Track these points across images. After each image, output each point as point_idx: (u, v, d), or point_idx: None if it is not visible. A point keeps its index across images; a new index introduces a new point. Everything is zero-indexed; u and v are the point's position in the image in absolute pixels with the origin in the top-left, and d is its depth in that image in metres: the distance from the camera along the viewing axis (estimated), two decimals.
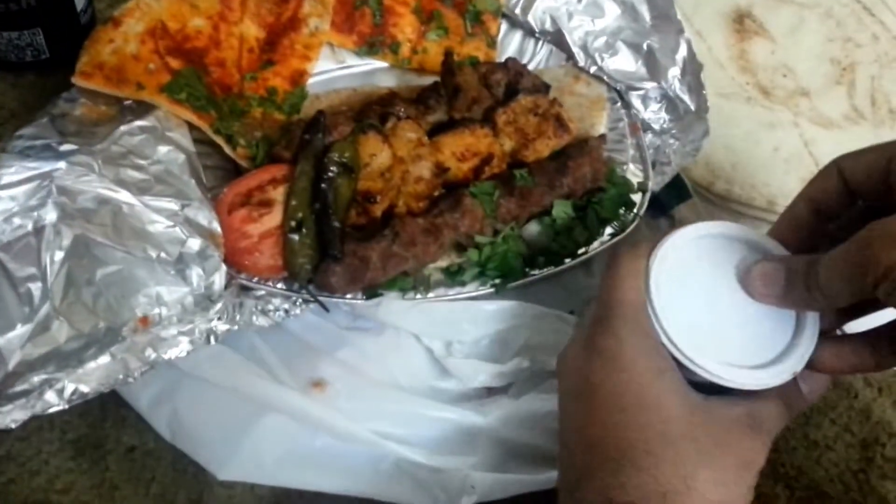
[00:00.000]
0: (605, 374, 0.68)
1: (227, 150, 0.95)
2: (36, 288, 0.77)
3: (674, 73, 1.07)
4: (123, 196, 0.83)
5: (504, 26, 1.14)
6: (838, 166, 0.69)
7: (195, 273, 0.83)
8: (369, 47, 1.09)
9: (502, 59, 1.08)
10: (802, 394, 0.71)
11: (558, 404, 0.74)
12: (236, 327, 0.85)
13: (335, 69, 1.10)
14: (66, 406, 0.75)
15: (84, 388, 0.75)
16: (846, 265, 0.61)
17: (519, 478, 0.86)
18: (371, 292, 0.92)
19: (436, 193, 0.96)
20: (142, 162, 0.87)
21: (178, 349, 0.80)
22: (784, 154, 1.11)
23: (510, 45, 1.14)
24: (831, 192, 0.70)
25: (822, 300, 0.64)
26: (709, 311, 0.70)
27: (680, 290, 0.70)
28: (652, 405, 0.67)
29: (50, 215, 0.80)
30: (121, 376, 0.77)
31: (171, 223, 0.84)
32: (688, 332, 0.69)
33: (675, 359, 0.69)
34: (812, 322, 0.69)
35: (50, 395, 0.74)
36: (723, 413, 0.68)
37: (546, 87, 1.05)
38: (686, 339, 0.69)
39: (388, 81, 1.10)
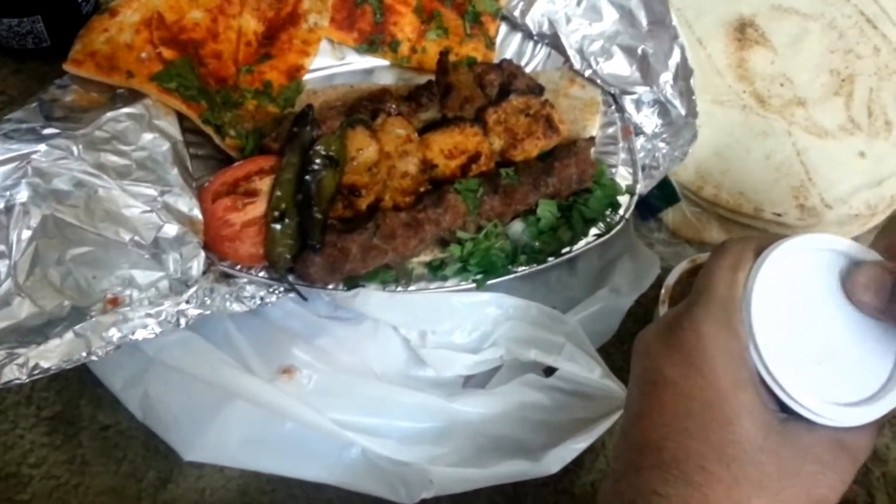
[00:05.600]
0: (680, 371, 0.64)
1: (216, 139, 0.97)
2: (2, 265, 0.80)
3: (666, 78, 1.07)
4: (101, 180, 0.85)
5: (504, 28, 1.15)
6: None
7: (171, 258, 0.85)
8: (369, 45, 1.10)
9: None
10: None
11: (628, 386, 0.70)
12: (208, 312, 0.87)
13: (335, 65, 1.11)
14: (27, 380, 0.77)
15: (45, 364, 0.77)
16: None
17: (478, 472, 0.87)
18: (352, 283, 0.93)
19: (422, 189, 0.97)
20: (125, 148, 0.89)
21: (146, 331, 0.82)
22: (775, 162, 1.11)
23: (509, 46, 1.15)
24: None
25: None
26: (810, 334, 0.64)
27: (780, 309, 0.64)
28: (722, 420, 0.62)
29: (21, 195, 0.82)
30: (84, 354, 0.79)
31: (148, 208, 0.86)
32: (786, 359, 0.63)
33: (762, 378, 0.64)
34: None
35: (10, 369, 0.77)
36: (801, 440, 0.62)
37: (540, 89, 1.06)
38: (784, 367, 0.63)
39: (387, 79, 1.12)
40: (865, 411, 0.62)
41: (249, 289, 0.90)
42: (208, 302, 0.87)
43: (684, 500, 0.60)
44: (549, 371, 0.96)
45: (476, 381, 0.97)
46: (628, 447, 0.66)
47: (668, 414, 0.63)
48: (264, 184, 0.92)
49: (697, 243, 1.13)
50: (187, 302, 0.85)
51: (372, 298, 0.93)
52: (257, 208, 0.91)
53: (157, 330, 0.83)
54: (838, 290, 0.64)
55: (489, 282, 0.96)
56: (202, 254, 0.87)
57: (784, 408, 0.63)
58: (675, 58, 1.08)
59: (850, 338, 0.64)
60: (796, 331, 0.64)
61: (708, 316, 0.65)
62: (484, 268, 0.96)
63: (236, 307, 0.89)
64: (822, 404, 0.62)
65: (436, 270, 0.97)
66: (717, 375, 0.62)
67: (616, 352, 1.02)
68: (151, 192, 0.87)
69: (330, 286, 0.92)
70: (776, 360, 0.63)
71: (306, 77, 1.07)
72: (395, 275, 0.95)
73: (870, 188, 1.12)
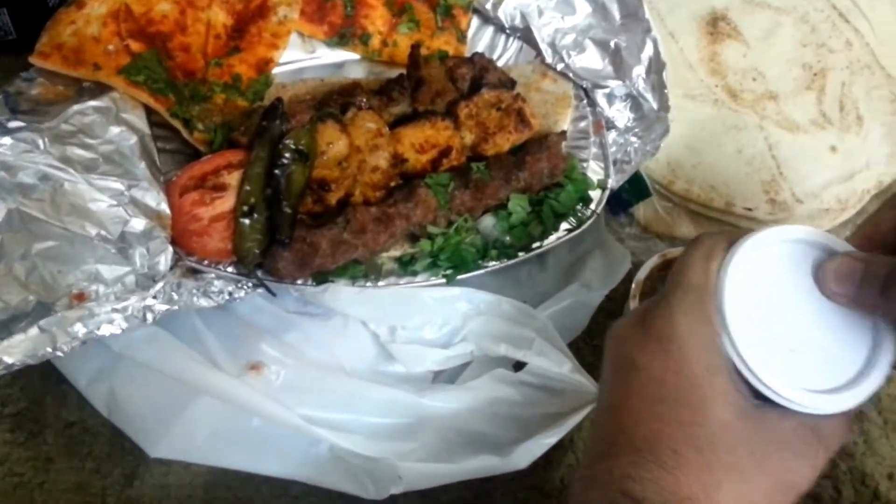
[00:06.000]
0: (654, 357, 0.64)
1: (185, 133, 0.96)
2: None
3: (638, 71, 1.07)
4: (67, 174, 0.84)
5: (476, 22, 1.14)
6: None
7: (138, 253, 0.85)
8: (340, 38, 1.10)
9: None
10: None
11: (601, 375, 0.70)
12: (176, 307, 0.86)
13: (305, 59, 1.10)
14: None
15: (9, 360, 0.77)
16: None
17: (446, 467, 0.87)
18: (321, 278, 0.92)
19: (393, 184, 0.97)
20: (91, 141, 0.88)
21: (112, 326, 0.81)
22: (746, 157, 1.11)
23: (481, 40, 1.14)
24: None
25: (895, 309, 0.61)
26: (783, 322, 0.65)
27: (753, 297, 0.65)
28: (694, 404, 0.62)
29: None
30: (49, 349, 0.79)
31: (115, 202, 0.85)
32: (759, 347, 0.64)
33: (735, 366, 0.64)
34: (891, 338, 0.64)
35: None
36: (773, 426, 0.63)
37: (511, 83, 1.05)
38: (757, 355, 0.63)
39: (357, 73, 1.11)
40: (838, 399, 0.63)
41: (217, 284, 0.89)
42: (175, 297, 0.86)
43: (656, 483, 0.61)
44: (519, 366, 0.96)
45: (446, 377, 0.97)
46: (601, 435, 0.67)
47: (641, 400, 0.64)
48: (233, 178, 0.92)
49: (668, 238, 1.13)
50: (154, 297, 0.84)
51: (341, 294, 0.92)
52: (226, 203, 0.90)
53: (124, 325, 0.82)
54: (811, 280, 0.65)
55: (459, 277, 0.96)
56: (169, 248, 0.86)
57: (758, 395, 0.64)
58: (648, 51, 1.08)
59: (823, 327, 0.65)
60: (769, 319, 0.65)
61: (681, 305, 0.65)
62: (454, 263, 0.96)
63: (204, 302, 0.88)
64: (795, 391, 0.63)
65: (406, 265, 0.96)
66: (689, 361, 0.63)
67: (586, 347, 1.02)
68: (118, 186, 0.86)
69: (299, 281, 0.92)
70: (749, 347, 0.64)
71: (276, 70, 1.06)
72: (364, 270, 0.95)
73: (841, 183, 1.12)
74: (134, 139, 0.91)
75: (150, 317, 0.84)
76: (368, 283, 0.94)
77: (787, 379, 0.63)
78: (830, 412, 0.63)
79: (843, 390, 0.63)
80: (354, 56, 1.11)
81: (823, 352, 0.64)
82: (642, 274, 1.00)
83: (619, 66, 1.08)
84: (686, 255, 0.69)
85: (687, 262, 0.67)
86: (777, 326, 0.65)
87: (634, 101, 1.08)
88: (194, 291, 0.88)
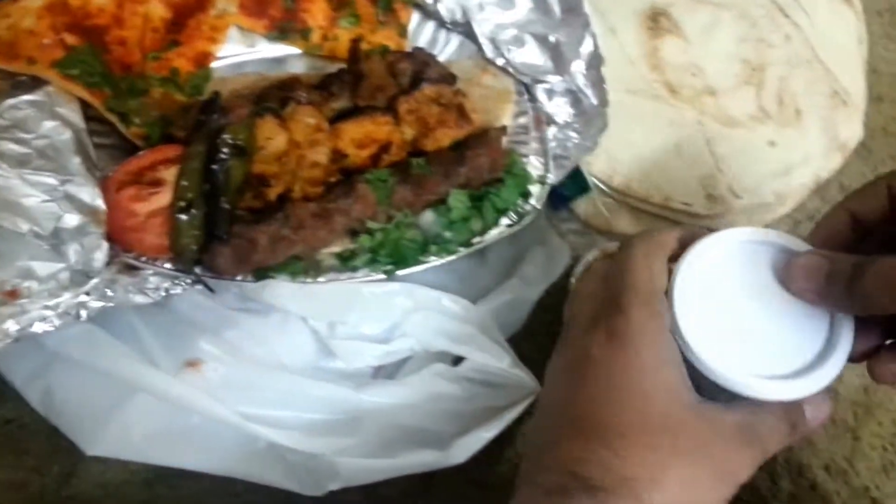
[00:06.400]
0: (607, 349, 0.67)
1: (121, 128, 0.95)
2: None
3: (577, 66, 1.08)
4: None
5: (417, 16, 1.14)
6: (888, 183, 0.67)
7: (72, 249, 0.83)
8: (280, 32, 1.09)
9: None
10: (806, 417, 0.68)
11: (547, 372, 0.74)
12: (111, 304, 0.85)
13: (245, 53, 1.09)
14: None
15: None
16: None
17: (385, 462, 0.87)
18: (261, 274, 0.92)
19: (332, 179, 0.96)
20: (25, 136, 0.87)
21: (46, 324, 0.80)
22: (685, 152, 1.12)
23: (422, 35, 1.14)
24: (876, 209, 0.68)
25: (860, 304, 0.64)
26: (734, 316, 0.68)
27: (706, 293, 0.68)
28: (643, 394, 0.65)
29: None
30: None
31: (49, 198, 0.84)
32: (708, 337, 0.67)
33: (686, 360, 0.67)
34: (846, 334, 0.66)
35: None
36: (715, 419, 0.66)
37: (452, 78, 1.05)
38: (706, 343, 0.66)
39: (299, 67, 1.10)
40: (786, 387, 0.66)
41: (153, 280, 0.88)
42: (110, 294, 0.85)
43: (602, 465, 0.63)
44: (459, 361, 0.96)
45: (386, 372, 0.97)
46: (549, 426, 0.70)
47: (592, 389, 0.67)
48: (170, 173, 0.91)
49: (608, 233, 1.14)
50: (87, 294, 0.83)
51: (281, 290, 0.92)
52: (163, 198, 0.90)
53: (57, 323, 0.81)
54: (765, 277, 0.68)
55: (400, 272, 0.96)
56: (105, 245, 0.85)
57: (709, 389, 0.67)
58: (587, 47, 1.08)
59: (776, 321, 0.67)
60: (720, 313, 0.68)
61: (632, 302, 0.68)
62: (394, 258, 0.96)
63: (140, 299, 0.87)
64: (742, 376, 0.65)
65: (346, 261, 0.96)
66: (640, 355, 0.66)
67: (526, 341, 1.03)
68: (52, 181, 0.85)
69: (238, 277, 0.91)
70: (698, 337, 0.67)
71: (215, 65, 1.05)
72: (305, 266, 0.94)
73: (779, 177, 1.14)
74: (68, 134, 0.90)
75: (84, 314, 0.83)
76: (308, 279, 0.94)
77: (735, 366, 0.65)
78: (777, 399, 0.66)
79: (791, 379, 0.66)
80: (296, 51, 1.10)
81: (774, 343, 0.67)
82: (581, 269, 1.01)
83: (559, 61, 1.08)
84: (626, 256, 0.71)
85: (629, 264, 0.70)
86: (729, 319, 0.67)
87: (574, 96, 1.08)
88: (129, 288, 0.87)
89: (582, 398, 0.67)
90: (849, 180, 1.22)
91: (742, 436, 0.66)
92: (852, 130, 1.20)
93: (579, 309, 0.73)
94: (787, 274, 0.67)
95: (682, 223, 1.13)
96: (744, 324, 0.67)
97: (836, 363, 0.66)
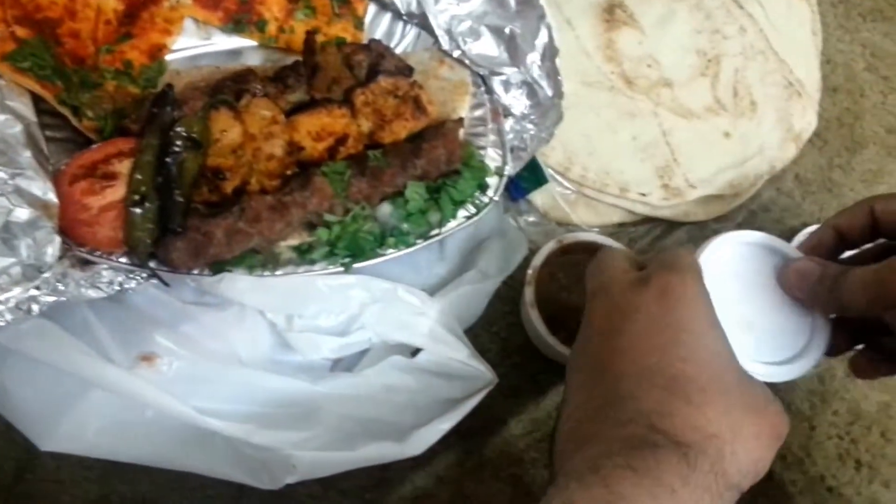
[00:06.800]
0: (663, 306, 0.70)
1: (74, 121, 0.94)
2: None
3: (533, 58, 1.08)
4: None
5: (373, 8, 1.13)
6: (871, 205, 0.77)
7: (24, 243, 0.82)
8: (235, 24, 1.08)
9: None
10: None
11: (582, 331, 0.76)
12: (63, 299, 0.84)
13: (200, 45, 1.08)
14: None
15: None
16: (872, 281, 0.70)
17: (342, 455, 0.87)
18: (218, 268, 0.91)
19: (289, 172, 0.96)
20: None
21: None
22: (641, 143, 1.13)
23: (379, 27, 1.14)
24: (858, 226, 0.78)
25: (838, 304, 0.73)
26: (739, 308, 0.77)
27: (717, 287, 0.74)
28: (710, 348, 0.69)
29: None
30: None
31: None
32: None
33: None
34: (825, 331, 0.77)
35: None
36: (762, 384, 0.70)
37: (409, 70, 1.05)
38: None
39: (255, 60, 1.09)
40: (782, 371, 0.76)
41: (107, 274, 0.87)
42: (61, 288, 0.84)
43: (686, 419, 0.65)
44: (419, 353, 0.96)
45: (344, 365, 0.97)
46: (605, 378, 0.70)
47: (658, 342, 0.69)
48: (123, 167, 0.90)
49: (566, 224, 1.14)
50: (38, 288, 0.82)
51: (238, 283, 0.91)
52: (116, 192, 0.89)
53: (9, 318, 0.80)
54: (764, 276, 0.79)
55: (357, 265, 0.96)
56: (57, 239, 0.84)
57: None
58: (542, 38, 1.08)
59: (771, 315, 0.78)
60: (727, 305, 0.74)
61: (688, 268, 0.73)
62: (352, 251, 0.95)
63: (92, 293, 0.86)
64: (746, 361, 0.73)
65: (304, 254, 0.96)
66: (699, 310, 0.70)
67: (484, 333, 1.03)
68: (1, 174, 0.84)
69: (195, 271, 0.91)
70: None
71: (170, 57, 1.04)
72: (262, 259, 0.94)
73: (734, 168, 1.15)
74: (19, 127, 0.88)
75: (35, 308, 0.82)
76: (266, 273, 0.94)
77: (743, 352, 0.72)
78: (774, 380, 0.75)
79: (784, 365, 0.76)
80: (251, 43, 1.09)
81: (770, 334, 0.77)
82: (538, 260, 1.01)
83: (514, 53, 1.08)
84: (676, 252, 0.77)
85: (682, 251, 0.76)
86: (734, 311, 0.76)
87: (530, 88, 1.08)
88: (82, 282, 0.86)
89: (650, 353, 0.69)
90: (803, 171, 1.23)
91: (780, 402, 0.70)
92: (807, 121, 1.21)
93: (612, 277, 0.76)
94: (783, 275, 0.78)
95: (639, 213, 1.14)
96: (746, 314, 0.77)
97: (816, 352, 0.77)
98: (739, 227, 0.86)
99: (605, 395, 0.69)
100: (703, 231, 1.17)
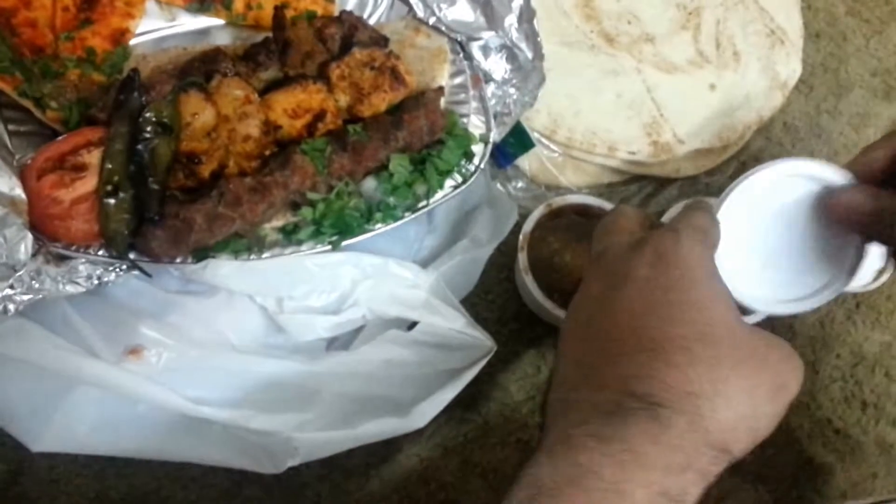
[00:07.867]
0: (655, 268, 0.67)
1: (37, 113, 0.91)
2: None
3: (510, 21, 1.05)
4: None
5: None
6: None
7: None
8: (200, 3, 1.04)
9: None
10: None
11: (577, 300, 0.73)
12: (40, 296, 0.81)
13: (165, 27, 1.04)
14: None
15: None
16: None
17: (344, 434, 0.85)
18: (201, 255, 0.88)
19: (268, 152, 0.93)
20: None
21: None
22: (626, 101, 1.10)
23: None
24: None
25: None
26: (765, 246, 0.75)
27: (744, 225, 0.73)
28: (700, 305, 0.66)
29: None
30: None
31: None
32: (740, 265, 0.73)
33: None
34: (854, 261, 0.74)
35: None
36: (764, 332, 0.67)
37: (384, 41, 1.02)
38: (737, 270, 0.72)
39: (224, 39, 1.06)
40: (801, 305, 0.75)
41: (83, 268, 0.85)
42: (37, 285, 0.81)
43: (665, 380, 0.63)
44: (414, 326, 0.93)
45: (340, 343, 0.95)
46: (595, 347, 0.68)
47: (643, 304, 0.67)
48: (93, 157, 0.87)
49: (555, 188, 1.12)
50: (12, 287, 0.79)
51: (223, 269, 0.88)
52: (87, 183, 0.86)
53: None
54: (798, 209, 0.74)
55: (346, 242, 0.93)
56: (29, 235, 0.81)
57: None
58: (518, 0, 1.05)
59: (798, 248, 0.75)
60: (751, 242, 0.74)
61: (686, 226, 0.71)
62: (339, 228, 0.93)
63: (71, 289, 0.83)
64: (769, 303, 0.75)
65: (289, 235, 0.93)
66: (691, 267, 0.67)
67: (480, 301, 1.01)
68: None
69: (177, 259, 0.88)
70: (730, 264, 0.72)
71: (134, 42, 1.01)
72: (248, 243, 0.91)
73: (721, 120, 1.12)
74: None
75: (11, 308, 0.79)
76: (252, 256, 0.91)
77: (767, 292, 0.74)
78: (798, 311, 0.75)
79: (808, 299, 0.75)
80: (219, 22, 1.06)
81: (795, 268, 0.75)
82: (529, 225, 0.99)
83: (491, 16, 1.05)
84: (689, 206, 0.75)
85: (692, 209, 0.74)
86: (764, 248, 0.74)
87: (509, 51, 1.05)
88: (58, 278, 0.83)
89: (633, 315, 0.67)
90: (791, 118, 1.21)
91: (789, 348, 0.67)
92: (791, 69, 1.19)
93: (612, 240, 0.73)
94: (830, 203, 0.72)
95: (628, 172, 1.12)
96: (776, 251, 0.74)
97: (845, 281, 0.74)
98: (731, 179, 0.83)
99: (591, 363, 0.68)
100: (694, 186, 1.14)
